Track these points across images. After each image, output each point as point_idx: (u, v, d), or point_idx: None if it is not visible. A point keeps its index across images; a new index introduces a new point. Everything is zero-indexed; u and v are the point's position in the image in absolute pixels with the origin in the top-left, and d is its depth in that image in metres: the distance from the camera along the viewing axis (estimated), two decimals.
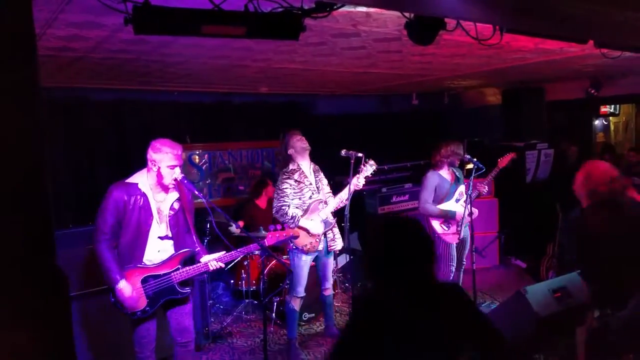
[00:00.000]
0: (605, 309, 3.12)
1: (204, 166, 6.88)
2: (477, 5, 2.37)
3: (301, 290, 4.65)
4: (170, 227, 3.51)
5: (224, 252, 3.66)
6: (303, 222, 4.52)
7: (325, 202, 4.62)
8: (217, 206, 3.56)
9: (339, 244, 4.76)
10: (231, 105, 6.96)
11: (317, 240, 4.56)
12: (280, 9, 2.29)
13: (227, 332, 5.34)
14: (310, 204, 4.58)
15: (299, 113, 7.61)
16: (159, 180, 3.40)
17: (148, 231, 3.40)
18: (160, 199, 3.48)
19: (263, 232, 5.85)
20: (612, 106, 9.09)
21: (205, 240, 5.57)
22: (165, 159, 3.35)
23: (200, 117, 6.76)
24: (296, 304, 4.70)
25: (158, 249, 3.46)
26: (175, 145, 3.43)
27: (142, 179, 3.42)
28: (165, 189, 3.47)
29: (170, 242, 3.51)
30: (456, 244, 5.25)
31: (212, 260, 3.52)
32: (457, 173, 5.33)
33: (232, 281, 6.05)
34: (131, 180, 3.43)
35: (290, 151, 4.64)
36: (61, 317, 1.20)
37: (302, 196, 4.58)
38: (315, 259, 4.76)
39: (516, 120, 7.44)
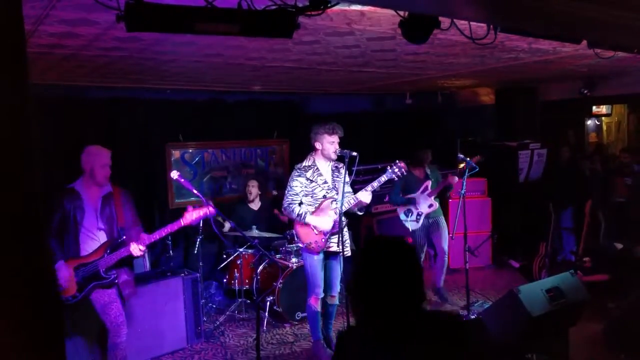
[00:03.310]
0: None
1: (197, 164, 6.85)
2: (471, 4, 2.36)
3: (319, 292, 4.51)
4: (103, 221, 3.88)
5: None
6: (311, 219, 4.37)
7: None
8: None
9: (348, 250, 4.51)
10: (224, 104, 6.92)
11: (322, 239, 4.39)
12: (274, 7, 2.28)
13: (220, 332, 5.33)
14: (322, 203, 4.43)
15: (293, 112, 7.60)
16: (94, 180, 3.84)
17: (83, 225, 3.81)
18: (94, 196, 3.88)
19: (256, 231, 5.85)
20: (605, 106, 9.14)
21: (199, 239, 5.55)
22: (97, 160, 3.83)
23: (193, 116, 6.70)
24: (317, 305, 4.56)
25: (94, 240, 3.86)
26: (102, 149, 3.93)
27: (79, 181, 3.88)
28: (98, 187, 3.88)
29: (104, 233, 3.89)
30: (421, 228, 5.75)
31: (132, 244, 3.79)
32: (428, 171, 5.84)
33: (224, 280, 6.03)
34: (71, 185, 3.86)
35: (317, 145, 4.44)
36: (52, 319, 1.19)
37: (314, 195, 4.44)
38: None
39: (509, 120, 7.47)
